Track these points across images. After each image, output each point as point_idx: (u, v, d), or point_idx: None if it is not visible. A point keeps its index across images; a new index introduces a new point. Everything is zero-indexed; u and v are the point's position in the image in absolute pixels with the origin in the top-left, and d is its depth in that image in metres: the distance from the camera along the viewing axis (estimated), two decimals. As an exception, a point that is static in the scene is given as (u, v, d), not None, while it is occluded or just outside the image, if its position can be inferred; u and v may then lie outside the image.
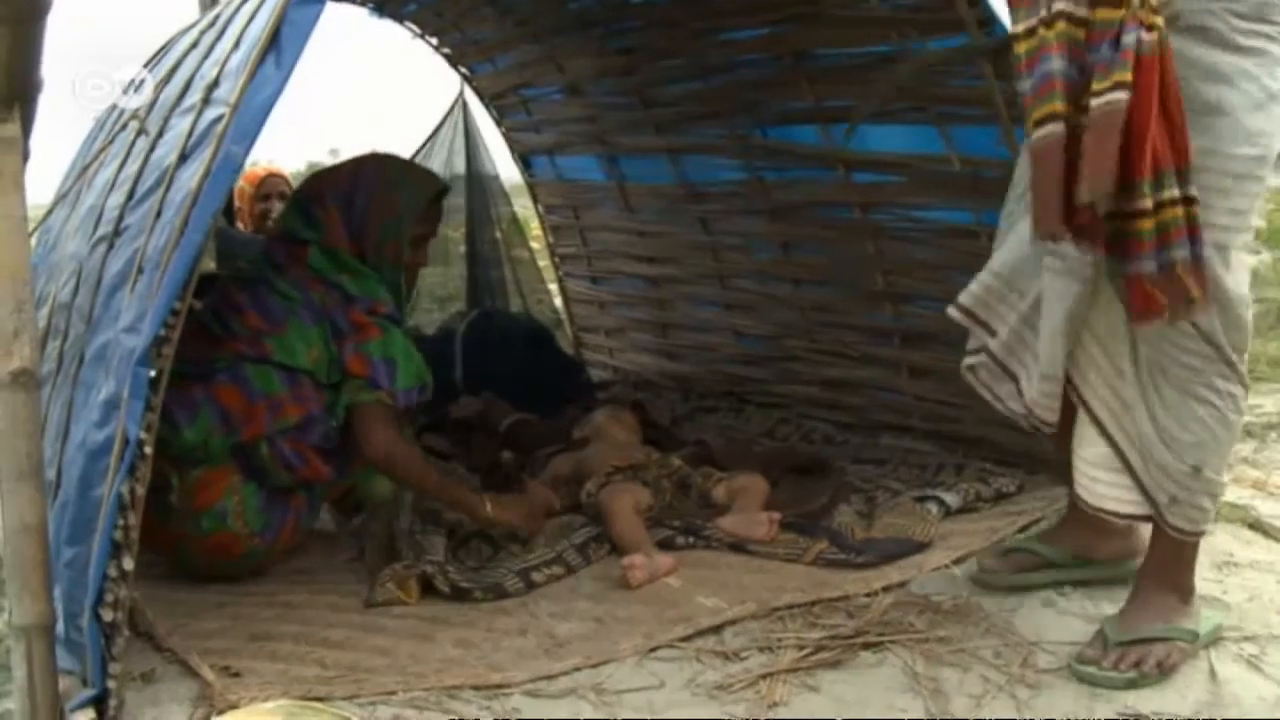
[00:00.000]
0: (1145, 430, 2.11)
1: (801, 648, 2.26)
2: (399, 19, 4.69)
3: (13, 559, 1.94)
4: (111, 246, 2.36)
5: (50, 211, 3.22)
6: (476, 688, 2.14)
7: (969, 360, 2.36)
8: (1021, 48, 1.90)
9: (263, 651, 2.31)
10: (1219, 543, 2.68)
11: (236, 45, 2.24)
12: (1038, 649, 2.22)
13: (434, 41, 4.90)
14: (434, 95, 5.81)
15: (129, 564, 1.94)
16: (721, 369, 4.60)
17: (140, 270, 2.11)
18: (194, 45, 2.68)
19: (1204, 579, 2.48)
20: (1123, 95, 1.77)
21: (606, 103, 4.56)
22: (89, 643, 1.93)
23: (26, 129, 1.93)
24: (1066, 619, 2.35)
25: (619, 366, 5.31)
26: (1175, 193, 1.84)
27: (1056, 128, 1.83)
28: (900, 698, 2.08)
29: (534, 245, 6.05)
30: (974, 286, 2.29)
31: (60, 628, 2.01)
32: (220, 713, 1.96)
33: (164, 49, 3.23)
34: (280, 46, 2.03)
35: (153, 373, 1.96)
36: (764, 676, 2.16)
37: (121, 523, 1.93)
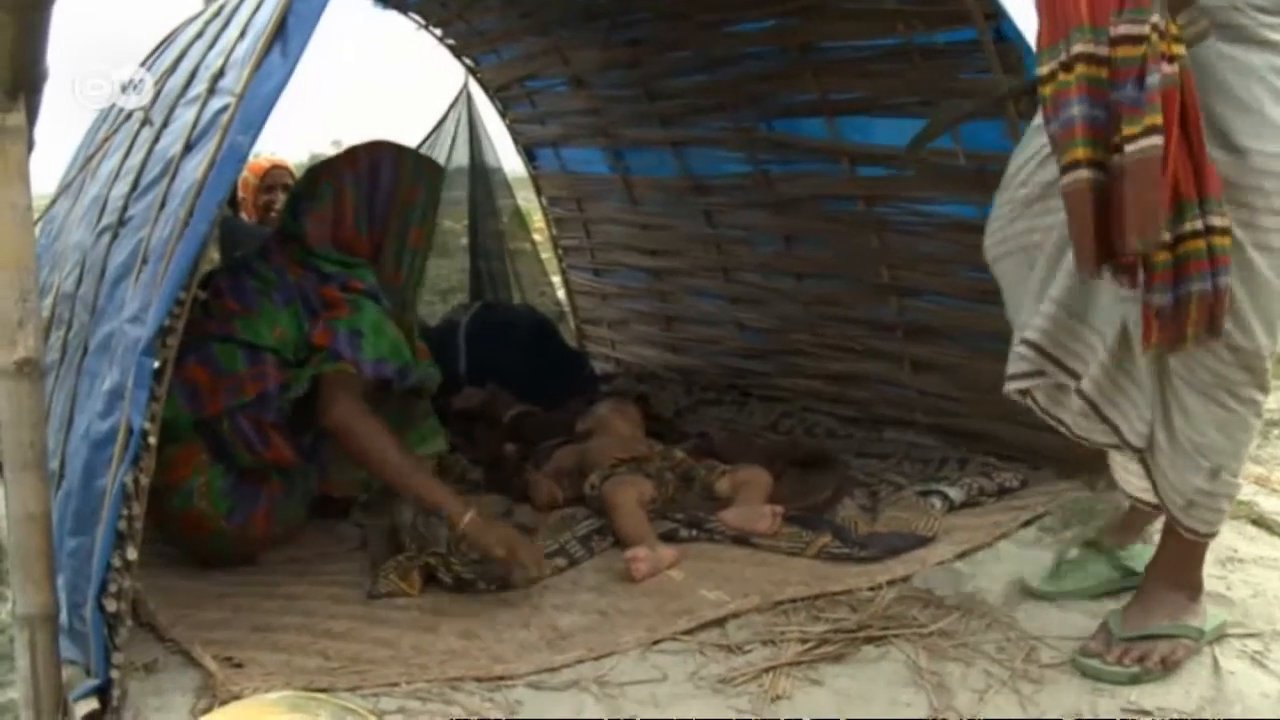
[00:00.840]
0: (1160, 438, 2.10)
1: (804, 641, 2.26)
2: (404, 10, 4.69)
3: (16, 549, 1.94)
4: (116, 237, 2.36)
5: (54, 201, 3.22)
6: (479, 679, 2.14)
7: (1022, 384, 2.25)
8: (1046, 90, 1.89)
9: (265, 642, 2.31)
10: (1223, 539, 2.67)
11: (242, 35, 2.24)
12: (1041, 644, 2.22)
13: (439, 33, 4.90)
14: (438, 87, 5.80)
15: (132, 554, 1.94)
16: (725, 362, 4.60)
17: (145, 260, 2.11)
18: (199, 35, 2.68)
19: (1208, 575, 2.47)
20: (1157, 140, 1.75)
21: (611, 95, 4.56)
22: (92, 633, 1.93)
23: (32, 118, 1.92)
24: (1070, 614, 2.34)
25: (622, 359, 5.31)
26: (1198, 224, 1.83)
27: (1082, 174, 1.82)
28: (903, 692, 2.08)
29: (537, 237, 6.05)
30: (1040, 321, 2.18)
31: (64, 617, 2.01)
32: (223, 703, 1.96)
33: (169, 39, 3.23)
34: (286, 36, 2.03)
35: (156, 363, 1.96)
36: (767, 670, 2.16)
37: (125, 513, 1.93)
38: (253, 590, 2.63)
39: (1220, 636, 2.21)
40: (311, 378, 2.69)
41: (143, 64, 3.40)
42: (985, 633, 2.28)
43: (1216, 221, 1.84)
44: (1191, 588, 2.21)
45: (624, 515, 2.84)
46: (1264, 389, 2.05)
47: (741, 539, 2.81)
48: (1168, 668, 2.09)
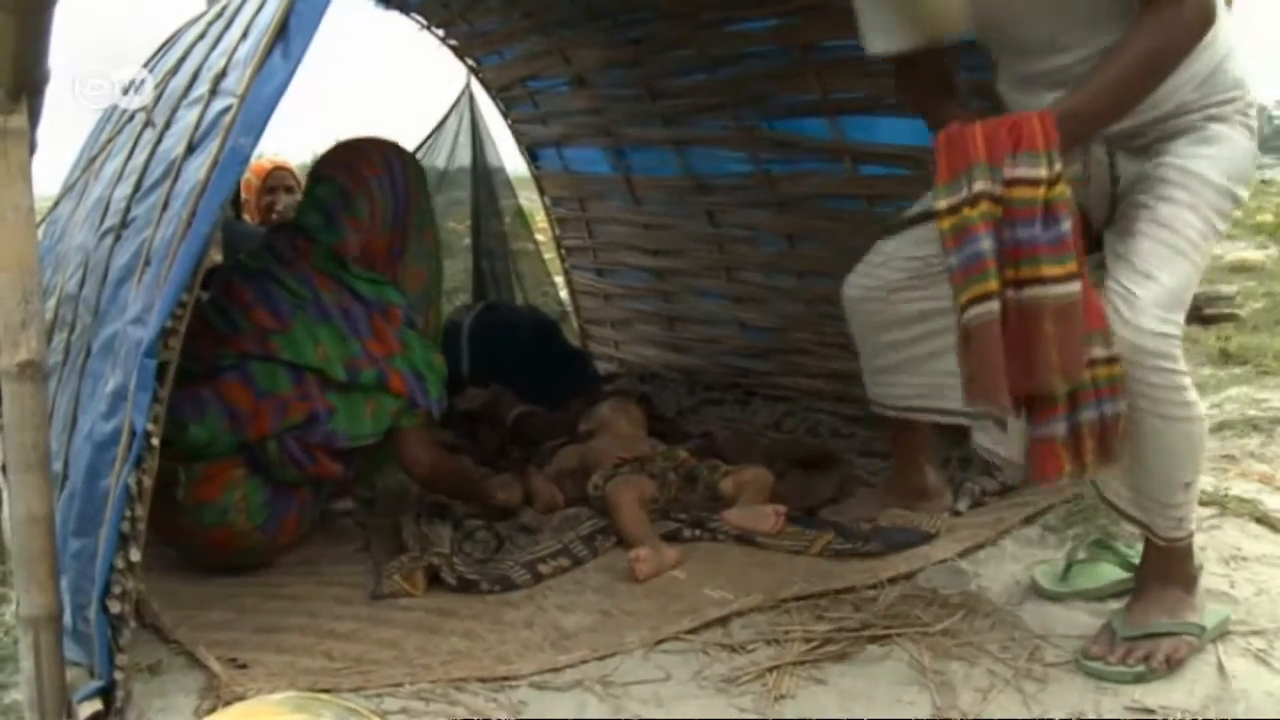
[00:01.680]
0: (1114, 480, 2.15)
1: (808, 640, 2.26)
2: (406, 10, 4.68)
3: (20, 550, 1.94)
4: (119, 238, 2.36)
5: (57, 203, 3.22)
6: (483, 680, 2.14)
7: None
8: (946, 224, 1.95)
9: (269, 643, 2.32)
10: (1226, 537, 2.67)
11: (244, 35, 2.24)
12: (1045, 643, 2.22)
13: (441, 33, 4.89)
14: (440, 87, 5.80)
15: (136, 556, 1.94)
16: (727, 361, 4.60)
17: (147, 262, 2.11)
18: (202, 36, 2.68)
19: (1211, 573, 2.48)
20: (1075, 287, 1.89)
21: (613, 94, 4.56)
22: (96, 634, 1.93)
23: (34, 120, 1.92)
24: (1073, 613, 2.34)
25: (625, 359, 5.31)
26: (1097, 353, 1.94)
27: (993, 305, 1.90)
28: (907, 691, 2.08)
29: (540, 237, 6.05)
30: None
31: (67, 619, 2.00)
32: (227, 704, 1.96)
33: (171, 40, 3.23)
34: (288, 37, 2.02)
35: (158, 363, 1.96)
36: (770, 669, 2.16)
37: (128, 514, 1.93)
38: (257, 591, 2.63)
39: (1224, 634, 2.21)
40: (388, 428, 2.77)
41: (145, 65, 3.40)
42: (989, 631, 2.28)
43: (1101, 353, 1.94)
44: (1185, 582, 2.21)
45: (627, 515, 2.85)
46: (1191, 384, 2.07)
47: (744, 538, 2.81)
48: (1172, 666, 2.08)
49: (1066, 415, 1.96)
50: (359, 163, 2.91)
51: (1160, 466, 2.08)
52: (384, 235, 2.88)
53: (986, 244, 1.91)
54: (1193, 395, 2.04)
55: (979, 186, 1.93)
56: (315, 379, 2.68)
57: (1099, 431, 1.97)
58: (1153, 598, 2.19)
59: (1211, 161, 2.12)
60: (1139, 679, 2.05)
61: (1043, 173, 1.92)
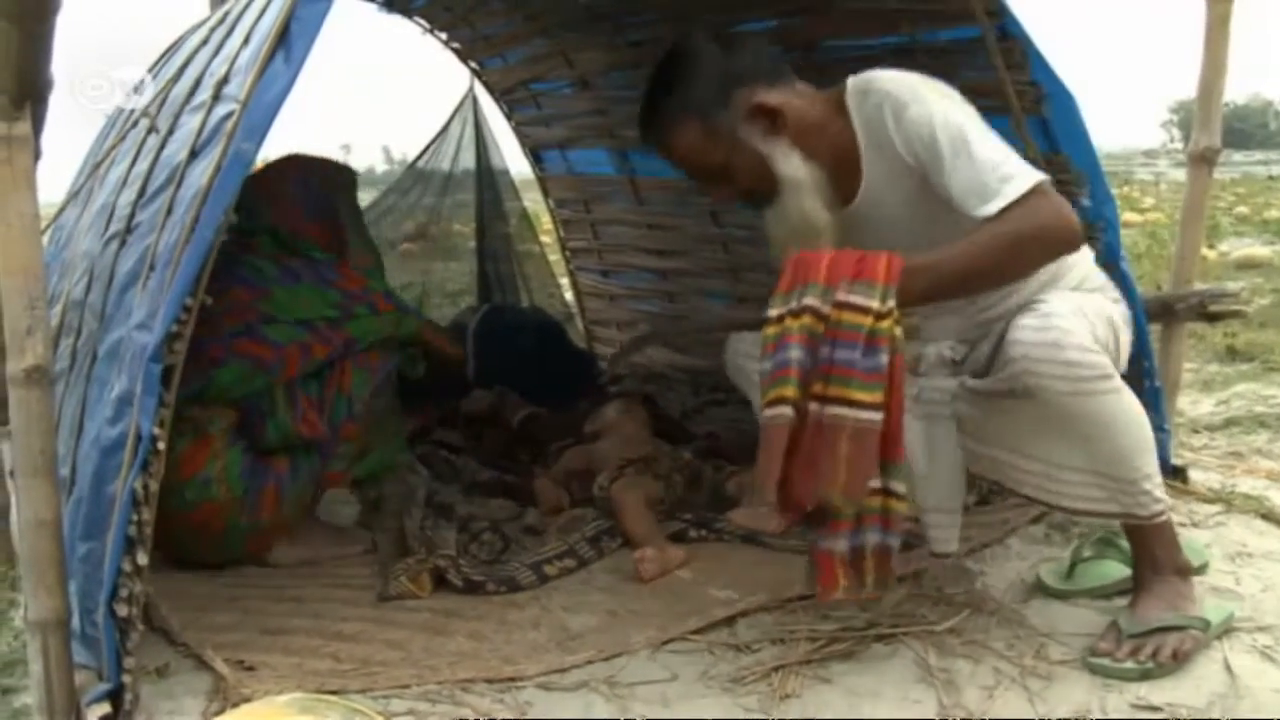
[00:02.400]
0: (1077, 488, 2.21)
1: (814, 640, 2.27)
2: (408, 14, 4.68)
3: (28, 555, 1.95)
4: (123, 244, 2.37)
5: (62, 209, 3.24)
6: (489, 681, 2.14)
7: None
8: (769, 331, 2.05)
9: (276, 645, 2.32)
10: (1232, 534, 2.67)
11: (246, 41, 2.24)
12: (1050, 641, 2.22)
13: (443, 36, 4.89)
14: (444, 91, 5.80)
15: (143, 559, 1.95)
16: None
17: (152, 267, 2.12)
18: (204, 42, 2.69)
19: (1217, 570, 2.49)
20: (878, 417, 1.97)
21: (616, 96, 4.55)
22: (104, 637, 1.94)
23: (37, 128, 1.93)
24: (1079, 611, 2.34)
25: (630, 360, 5.31)
26: (878, 484, 2.03)
27: (786, 410, 1.99)
28: (913, 689, 2.09)
29: (545, 239, 6.05)
30: None
31: (76, 622, 2.02)
32: (234, 706, 1.97)
33: (174, 46, 3.24)
34: (289, 42, 2.03)
35: (163, 367, 1.97)
36: (776, 668, 2.16)
37: (135, 518, 1.94)
38: (263, 593, 2.64)
39: (1229, 630, 2.21)
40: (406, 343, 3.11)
41: (149, 70, 3.42)
42: (994, 630, 2.28)
43: (896, 487, 2.05)
44: (1179, 570, 2.23)
45: (632, 516, 2.85)
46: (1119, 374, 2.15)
47: (750, 538, 2.82)
48: (1178, 661, 2.08)
49: (849, 533, 2.07)
50: (263, 180, 3.10)
51: (1115, 446, 2.13)
52: (311, 223, 3.05)
53: (795, 353, 2.01)
54: (1115, 372, 2.12)
55: (808, 301, 2.03)
56: (324, 323, 2.88)
57: (878, 555, 2.08)
58: (1153, 593, 2.20)
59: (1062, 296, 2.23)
60: (1145, 676, 2.05)
61: (875, 304, 1.99)
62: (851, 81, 2.32)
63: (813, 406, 2.00)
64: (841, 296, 2.01)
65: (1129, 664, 2.08)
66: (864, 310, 2.00)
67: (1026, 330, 2.09)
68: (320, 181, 3.14)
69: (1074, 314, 2.12)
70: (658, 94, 2.40)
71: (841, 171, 2.33)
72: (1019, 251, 2.10)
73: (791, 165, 2.32)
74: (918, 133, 2.19)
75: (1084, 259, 2.42)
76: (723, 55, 2.38)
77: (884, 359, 1.98)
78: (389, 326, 2.99)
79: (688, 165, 2.43)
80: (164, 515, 2.62)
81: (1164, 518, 2.21)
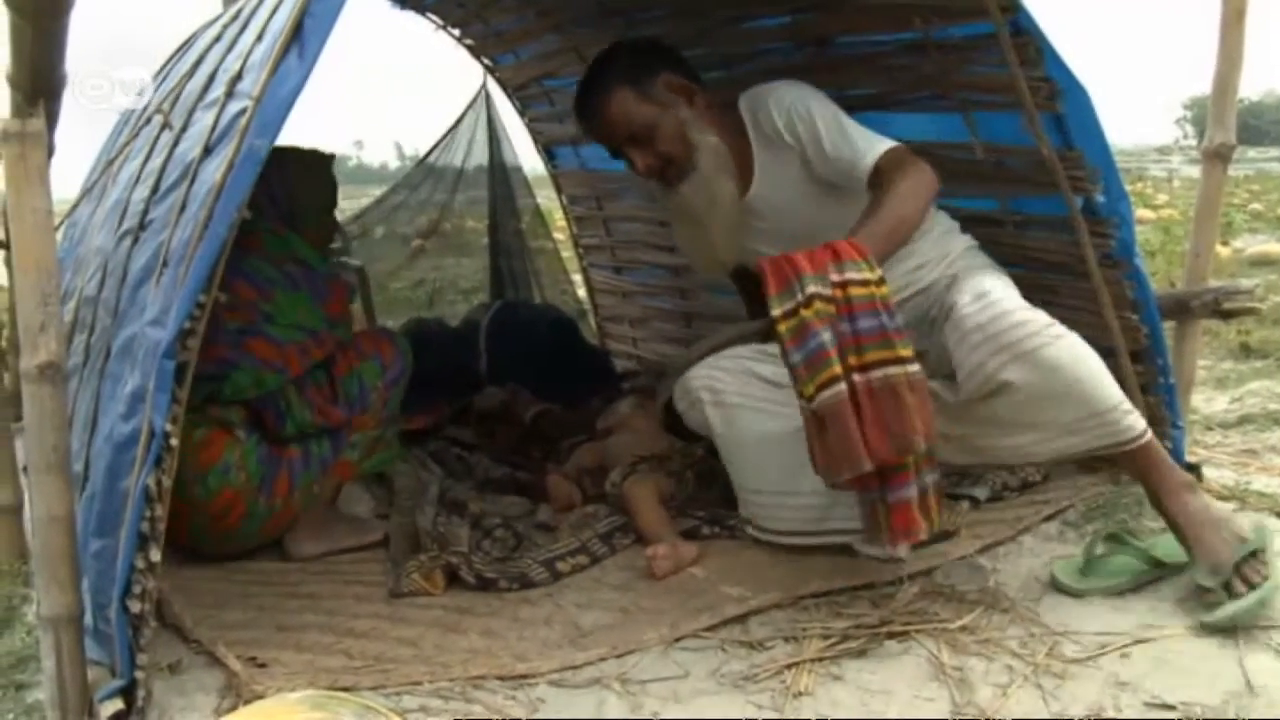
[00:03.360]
0: (1059, 442, 2.41)
1: (826, 637, 2.26)
2: (421, 11, 4.69)
3: (41, 550, 1.96)
4: (136, 240, 2.37)
5: (76, 205, 3.24)
6: (502, 678, 2.15)
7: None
8: (784, 327, 2.19)
9: (289, 642, 2.33)
10: (1245, 530, 2.65)
11: (259, 38, 2.24)
12: (1064, 639, 2.21)
13: (456, 33, 4.89)
14: (457, 86, 5.80)
15: (156, 555, 1.95)
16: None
17: (165, 264, 2.12)
18: (217, 39, 2.69)
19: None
20: (919, 367, 2.17)
21: (629, 93, 4.55)
22: (117, 633, 1.95)
23: (51, 124, 1.94)
24: (1093, 607, 2.33)
25: (643, 356, 5.31)
26: None
27: (841, 388, 2.14)
28: (926, 687, 2.08)
29: (557, 236, 6.05)
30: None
31: (88, 619, 2.02)
32: (246, 703, 1.97)
33: (188, 43, 3.25)
34: (303, 39, 2.03)
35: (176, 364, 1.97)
36: (789, 666, 2.16)
37: (148, 515, 1.94)
38: (276, 590, 2.65)
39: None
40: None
41: (162, 68, 3.42)
42: (1008, 627, 2.28)
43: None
44: (1186, 485, 2.40)
45: (645, 512, 2.85)
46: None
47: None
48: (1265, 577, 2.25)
49: (915, 480, 2.22)
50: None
51: (1083, 386, 2.32)
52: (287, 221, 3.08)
53: (826, 336, 2.15)
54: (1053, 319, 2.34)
55: (811, 289, 2.17)
56: (324, 331, 2.95)
57: (937, 492, 2.27)
58: (1195, 523, 2.34)
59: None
60: (1262, 602, 2.18)
61: (869, 275, 2.19)
62: (744, 94, 2.80)
63: (855, 378, 2.15)
64: (837, 277, 2.18)
65: (1241, 601, 2.18)
66: (864, 283, 2.18)
67: (968, 311, 2.32)
68: (281, 177, 3.11)
69: (1001, 286, 2.44)
70: (591, 79, 2.81)
71: (735, 165, 2.73)
72: (913, 190, 2.40)
73: (707, 135, 2.70)
74: (798, 115, 2.63)
75: (960, 241, 2.81)
76: (644, 46, 2.88)
77: (900, 320, 2.19)
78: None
79: (619, 129, 2.76)
80: (184, 508, 2.67)
81: (1148, 435, 2.40)
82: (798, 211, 2.73)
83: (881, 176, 2.46)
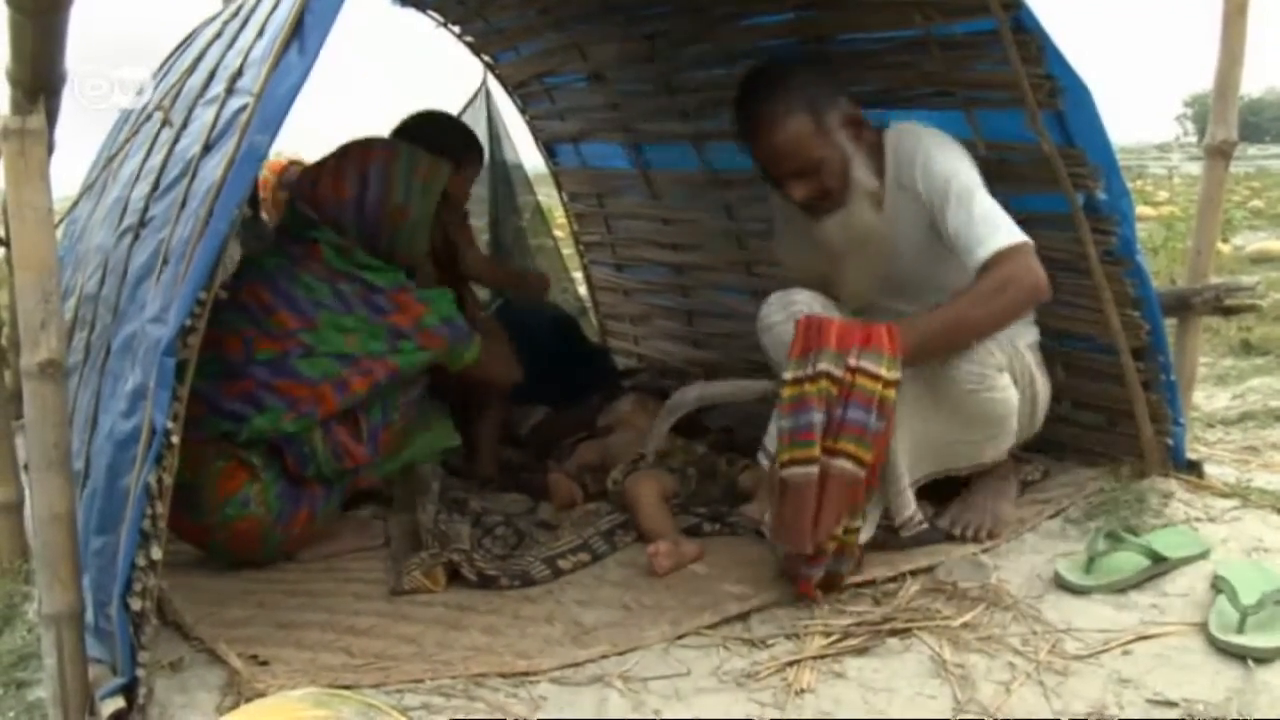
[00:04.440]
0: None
1: (828, 634, 2.26)
2: (421, 7, 4.68)
3: (42, 548, 1.96)
4: (137, 237, 2.37)
5: (76, 203, 3.24)
6: (503, 675, 2.14)
7: None
8: (787, 393, 2.35)
9: (290, 640, 2.32)
10: (1248, 528, 2.65)
11: (260, 34, 2.24)
12: (1066, 636, 2.21)
13: (457, 29, 4.89)
14: (457, 84, 5.79)
15: (157, 553, 1.95)
16: (747, 356, 4.57)
17: (165, 261, 2.12)
18: (218, 35, 2.69)
19: (1234, 565, 2.47)
20: (864, 473, 2.31)
21: (630, 90, 4.54)
22: (118, 631, 1.94)
23: (51, 120, 1.93)
24: (1094, 605, 2.33)
25: (644, 354, 5.30)
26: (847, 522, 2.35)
27: (812, 470, 2.30)
28: (928, 684, 2.08)
29: (558, 234, 6.04)
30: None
31: (89, 616, 2.02)
32: (248, 700, 1.97)
33: (188, 39, 3.24)
34: (303, 35, 2.03)
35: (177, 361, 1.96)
36: (790, 663, 2.16)
37: (149, 512, 1.94)
38: (277, 588, 2.64)
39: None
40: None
41: (163, 64, 3.42)
42: (1009, 625, 2.27)
43: (856, 524, 2.38)
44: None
45: (646, 510, 2.85)
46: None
47: (764, 532, 2.80)
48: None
49: (827, 564, 2.37)
50: (331, 177, 2.95)
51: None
52: (368, 228, 2.91)
53: (817, 417, 2.31)
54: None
55: (822, 366, 2.32)
56: (366, 356, 2.78)
57: (851, 575, 2.45)
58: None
59: None
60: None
61: (883, 371, 2.30)
62: (894, 124, 2.74)
63: (822, 459, 2.31)
64: (854, 362, 2.31)
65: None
66: (874, 376, 2.30)
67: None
68: (383, 172, 2.94)
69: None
70: (767, 89, 2.64)
71: None
72: (996, 299, 2.43)
73: (866, 173, 2.66)
74: (936, 175, 2.58)
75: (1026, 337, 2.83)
76: (822, 67, 2.75)
77: (884, 424, 2.31)
78: (439, 358, 2.92)
79: (787, 156, 2.65)
80: (199, 529, 2.66)
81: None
82: (912, 257, 2.71)
83: (984, 271, 2.46)
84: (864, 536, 2.50)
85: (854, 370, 2.30)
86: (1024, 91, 2.70)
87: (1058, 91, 2.67)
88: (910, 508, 2.60)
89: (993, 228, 2.49)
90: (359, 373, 2.76)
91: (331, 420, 2.75)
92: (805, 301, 2.70)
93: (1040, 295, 2.51)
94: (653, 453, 2.93)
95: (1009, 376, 2.61)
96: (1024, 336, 2.77)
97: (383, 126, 3.66)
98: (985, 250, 2.46)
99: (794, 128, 2.62)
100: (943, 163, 2.60)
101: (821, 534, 2.30)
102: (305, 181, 3.00)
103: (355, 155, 2.98)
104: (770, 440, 2.62)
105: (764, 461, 2.68)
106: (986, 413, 2.60)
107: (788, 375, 2.36)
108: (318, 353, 2.73)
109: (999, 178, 2.98)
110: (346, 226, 2.89)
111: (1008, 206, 2.61)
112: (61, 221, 2.68)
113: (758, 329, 2.75)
